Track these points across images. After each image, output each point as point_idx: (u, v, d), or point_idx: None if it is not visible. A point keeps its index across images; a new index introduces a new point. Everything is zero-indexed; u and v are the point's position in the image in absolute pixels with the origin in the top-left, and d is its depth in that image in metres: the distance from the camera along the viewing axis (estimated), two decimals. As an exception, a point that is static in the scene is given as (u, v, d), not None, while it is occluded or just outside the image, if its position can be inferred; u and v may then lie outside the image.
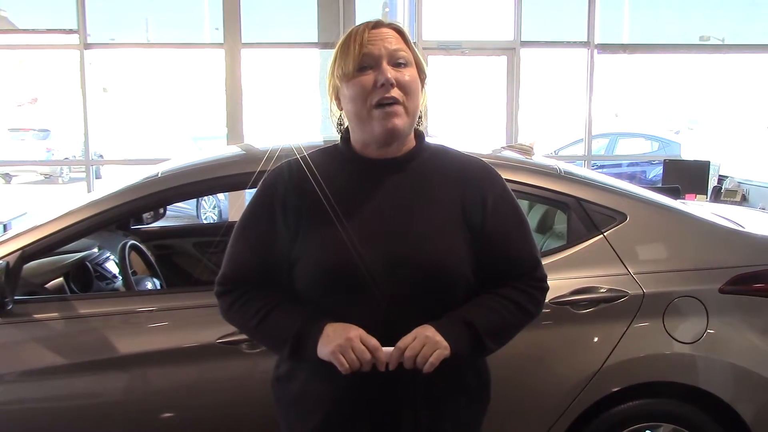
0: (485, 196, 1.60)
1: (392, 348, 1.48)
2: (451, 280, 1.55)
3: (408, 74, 1.55)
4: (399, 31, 1.58)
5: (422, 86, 1.61)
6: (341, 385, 1.54)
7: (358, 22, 1.65)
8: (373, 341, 1.47)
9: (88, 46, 7.05)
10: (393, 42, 1.55)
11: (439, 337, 1.49)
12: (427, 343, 1.48)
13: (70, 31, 7.03)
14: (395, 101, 1.52)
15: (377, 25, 1.57)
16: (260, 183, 1.66)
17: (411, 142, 1.63)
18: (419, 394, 1.56)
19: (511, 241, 1.62)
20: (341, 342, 1.47)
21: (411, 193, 1.58)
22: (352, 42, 1.54)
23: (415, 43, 1.62)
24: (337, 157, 1.64)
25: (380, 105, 1.52)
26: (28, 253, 2.35)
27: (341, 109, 1.62)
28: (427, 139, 1.67)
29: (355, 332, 1.48)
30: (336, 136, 1.69)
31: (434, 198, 1.58)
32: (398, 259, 1.52)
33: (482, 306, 1.58)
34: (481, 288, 1.60)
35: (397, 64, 1.54)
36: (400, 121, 1.53)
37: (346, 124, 1.63)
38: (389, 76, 1.51)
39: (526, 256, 1.64)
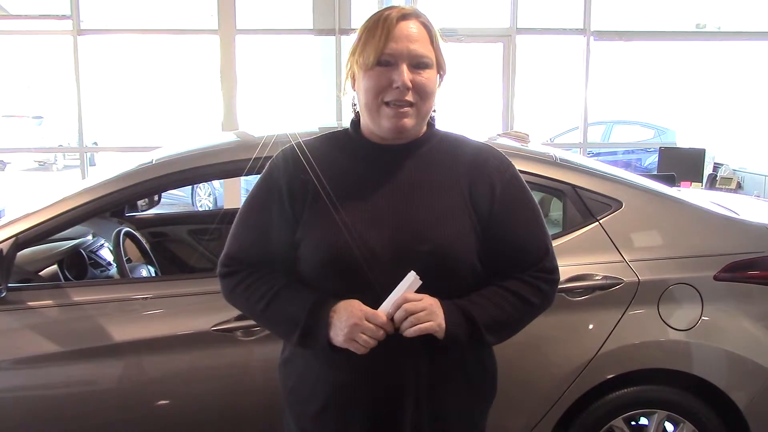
0: (493, 183, 1.58)
1: (391, 303, 1.47)
2: (457, 266, 1.54)
3: (426, 76, 1.53)
4: (427, 27, 1.55)
5: (440, 81, 1.59)
6: (342, 370, 1.54)
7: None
8: (380, 317, 1.46)
9: (81, 31, 6.99)
10: (418, 43, 1.52)
11: (441, 314, 1.49)
12: (427, 309, 1.47)
13: (63, 17, 6.97)
14: (408, 104, 1.51)
15: (406, 16, 1.53)
16: (266, 166, 1.64)
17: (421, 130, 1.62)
18: (421, 382, 1.55)
19: (519, 229, 1.60)
20: (348, 331, 1.46)
21: (418, 179, 1.57)
22: (378, 30, 1.51)
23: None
24: (345, 142, 1.64)
25: (391, 103, 1.52)
26: (22, 240, 2.34)
27: (355, 90, 1.60)
28: (437, 126, 1.65)
29: (359, 313, 1.47)
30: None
31: (441, 184, 1.57)
32: (403, 244, 1.51)
33: (485, 299, 1.55)
34: (489, 277, 1.58)
35: (417, 65, 1.52)
36: (409, 121, 1.53)
37: (359, 107, 1.61)
38: (406, 79, 1.50)
39: (534, 246, 1.61)
